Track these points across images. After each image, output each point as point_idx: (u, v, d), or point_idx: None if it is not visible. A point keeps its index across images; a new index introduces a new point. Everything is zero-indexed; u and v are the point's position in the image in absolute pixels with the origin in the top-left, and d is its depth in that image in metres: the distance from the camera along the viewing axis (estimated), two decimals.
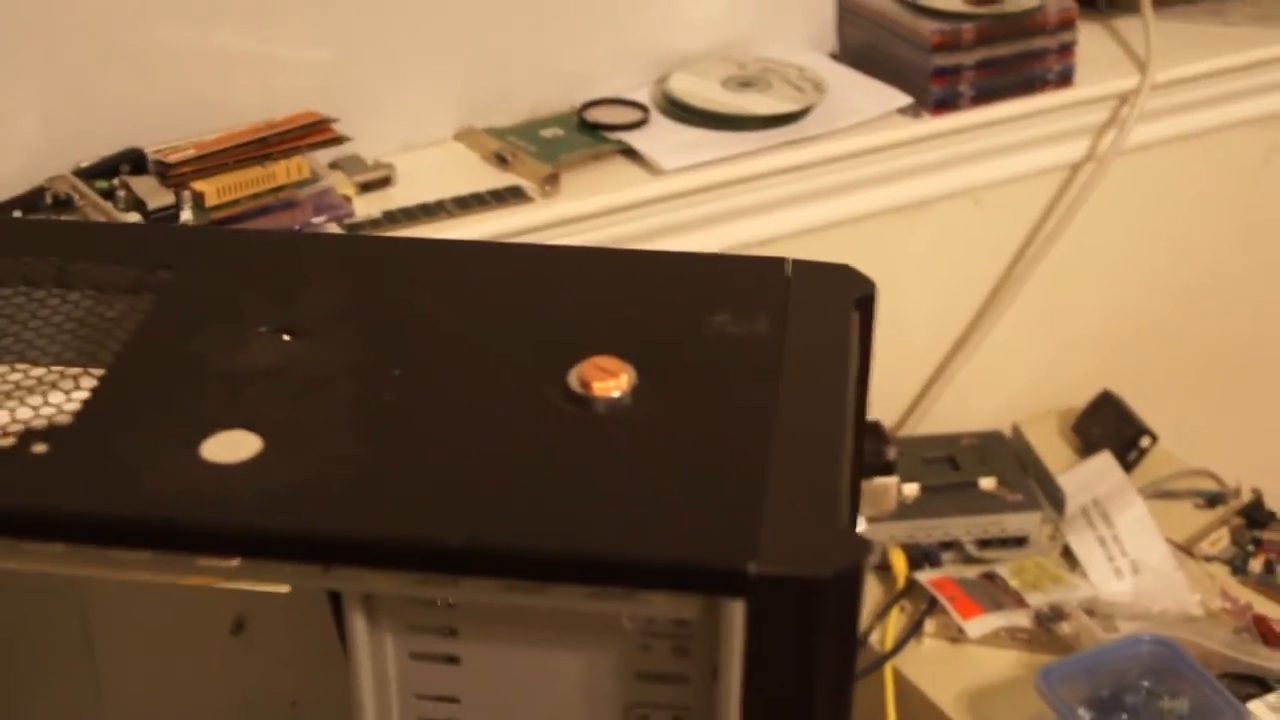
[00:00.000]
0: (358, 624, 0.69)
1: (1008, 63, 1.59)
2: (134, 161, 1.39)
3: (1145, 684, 1.38)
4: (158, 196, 1.34)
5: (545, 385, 0.72)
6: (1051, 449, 1.75)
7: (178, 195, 1.34)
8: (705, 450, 0.69)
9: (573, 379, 0.72)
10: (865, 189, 1.59)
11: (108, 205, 1.34)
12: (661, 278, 0.81)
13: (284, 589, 0.71)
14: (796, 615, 0.63)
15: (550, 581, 0.64)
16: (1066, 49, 1.62)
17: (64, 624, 0.97)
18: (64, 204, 1.36)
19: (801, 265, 0.81)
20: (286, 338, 0.77)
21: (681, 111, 1.55)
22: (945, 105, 1.58)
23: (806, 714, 0.65)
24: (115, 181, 1.37)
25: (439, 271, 0.83)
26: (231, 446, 0.69)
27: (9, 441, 0.70)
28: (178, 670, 0.97)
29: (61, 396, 0.73)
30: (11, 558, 0.69)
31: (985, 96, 1.59)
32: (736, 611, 0.63)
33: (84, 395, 0.73)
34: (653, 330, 0.76)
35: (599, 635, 0.68)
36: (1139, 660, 1.39)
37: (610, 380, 0.72)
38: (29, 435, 0.70)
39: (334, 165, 1.47)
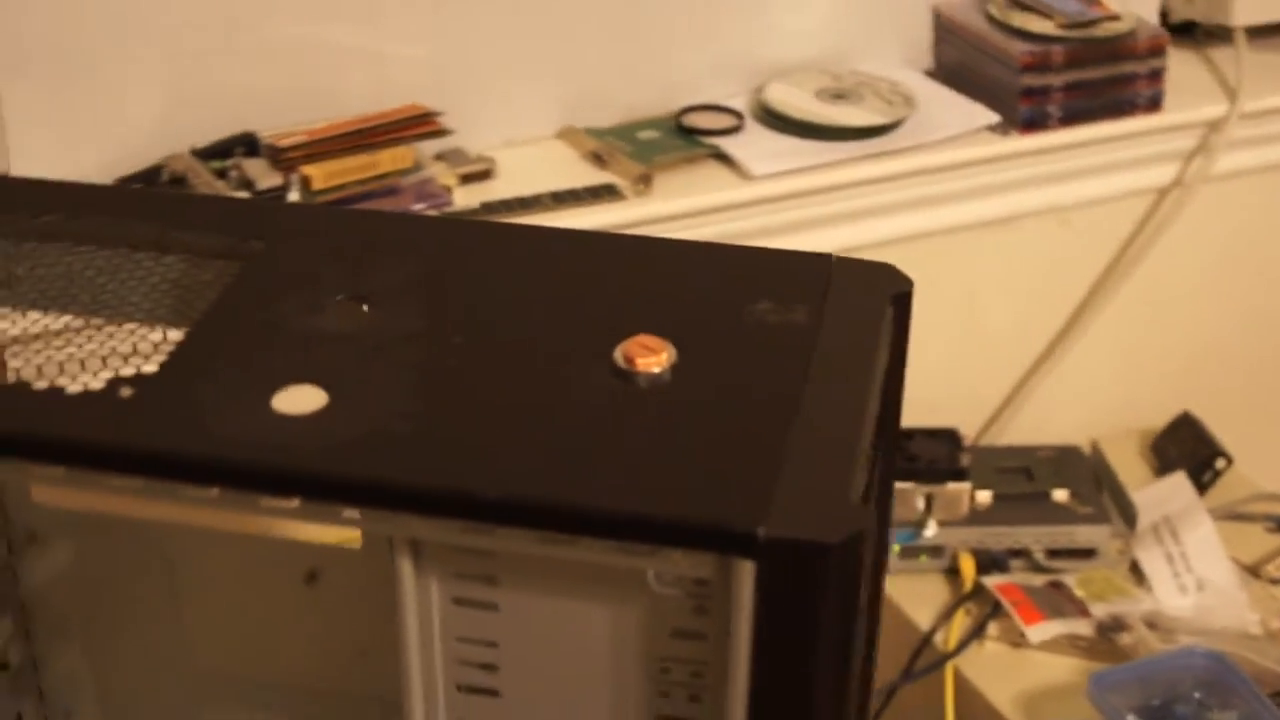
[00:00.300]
0: (405, 568, 0.75)
1: (1097, 86, 1.63)
2: (247, 145, 1.47)
3: (1196, 695, 1.42)
4: (267, 178, 1.42)
5: (593, 359, 0.78)
6: (1129, 466, 1.78)
7: (286, 178, 1.42)
8: (732, 425, 0.74)
9: (618, 355, 0.77)
10: (951, 203, 1.63)
11: (220, 184, 1.42)
12: (713, 267, 0.87)
13: (345, 532, 0.77)
14: (801, 578, 0.68)
15: (579, 534, 0.70)
16: (1156, 75, 1.65)
17: (153, 570, 1.04)
18: (179, 181, 1.43)
19: (845, 262, 0.86)
20: (362, 306, 0.83)
21: (775, 120, 1.61)
22: (1033, 125, 1.62)
23: (809, 671, 0.70)
24: (229, 162, 1.44)
25: (505, 252, 0.89)
26: (300, 400, 0.76)
27: (99, 385, 0.77)
28: (255, 617, 1.04)
29: (150, 348, 0.80)
30: (96, 490, 0.75)
31: (1073, 118, 1.64)
32: (747, 571, 0.68)
33: (170, 348, 0.80)
34: (699, 314, 0.82)
35: (626, 591, 0.74)
36: (1192, 672, 1.43)
37: (652, 357, 0.77)
38: (117, 381, 0.77)
39: (439, 157, 1.54)
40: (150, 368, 0.78)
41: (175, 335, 0.81)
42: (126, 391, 0.77)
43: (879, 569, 0.92)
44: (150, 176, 1.44)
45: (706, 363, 0.78)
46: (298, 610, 1.01)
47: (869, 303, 0.83)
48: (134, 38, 1.44)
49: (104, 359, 0.79)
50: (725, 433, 0.74)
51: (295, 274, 0.86)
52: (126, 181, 1.43)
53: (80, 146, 1.43)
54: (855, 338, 0.81)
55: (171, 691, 1.08)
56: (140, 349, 0.80)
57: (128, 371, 0.78)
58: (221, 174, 1.43)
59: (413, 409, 0.75)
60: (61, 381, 0.78)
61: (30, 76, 1.40)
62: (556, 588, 0.75)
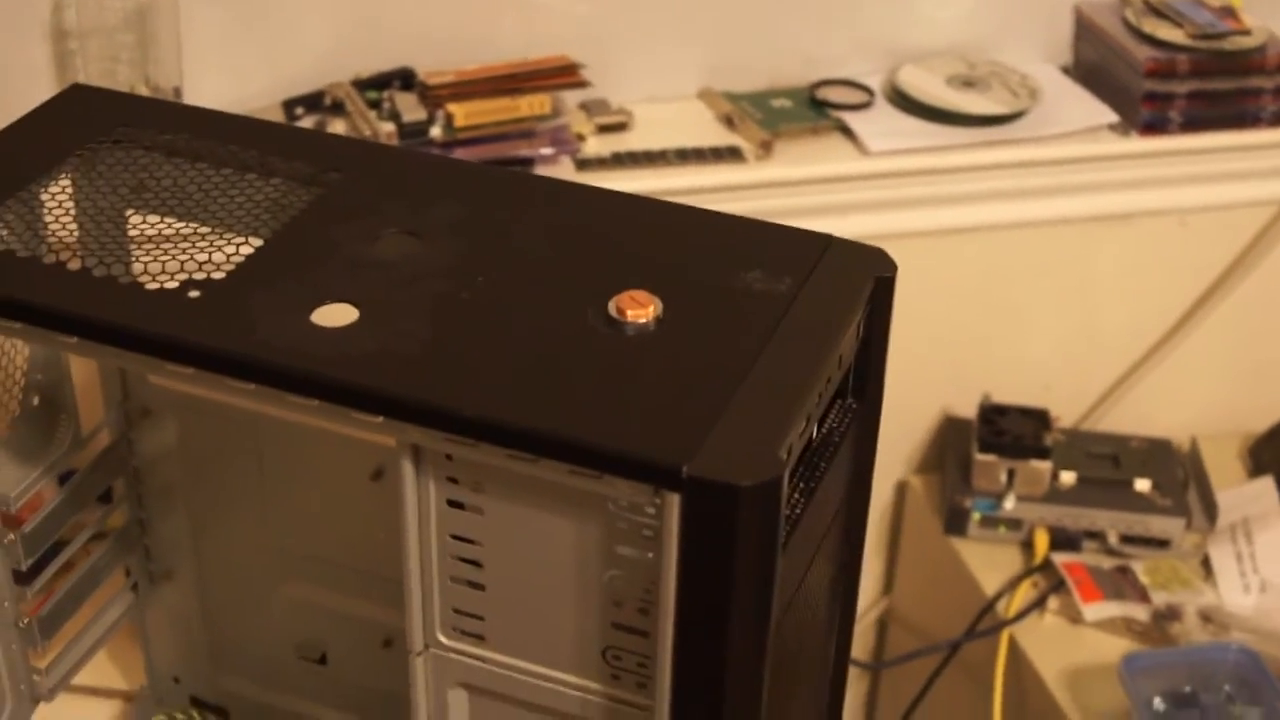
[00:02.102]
0: (407, 469, 0.88)
1: (1221, 96, 1.69)
2: (404, 79, 1.60)
3: (1226, 688, 1.49)
4: (413, 112, 1.55)
5: (590, 306, 0.89)
6: (1223, 467, 1.84)
7: (431, 113, 1.55)
8: (693, 374, 0.85)
9: (612, 305, 0.89)
10: (1066, 195, 1.71)
11: (371, 114, 1.55)
12: (721, 235, 0.98)
13: (349, 430, 0.89)
14: (717, 515, 0.79)
15: (538, 455, 0.82)
16: None
17: (245, 454, 1.18)
18: (338, 107, 1.57)
19: (840, 242, 0.96)
20: (410, 239, 0.95)
21: (903, 101, 1.70)
22: (1153, 128, 1.69)
23: (725, 599, 0.81)
24: (384, 94, 1.58)
25: (547, 205, 1.00)
26: (335, 315, 0.88)
27: (173, 284, 0.90)
28: (328, 504, 1.17)
29: (222, 257, 0.93)
30: (157, 373, 0.89)
31: (1195, 125, 1.70)
32: (674, 504, 0.80)
33: (239, 259, 0.93)
34: (696, 276, 0.93)
35: (588, 511, 0.85)
36: (1224, 665, 1.50)
37: (640, 310, 0.88)
38: (189, 283, 0.91)
39: (582, 106, 1.66)
40: (219, 274, 0.92)
41: (246, 249, 0.94)
42: (194, 293, 0.90)
43: (854, 516, 1.02)
44: (313, 101, 1.58)
45: (689, 319, 0.89)
46: (364, 502, 1.14)
47: (850, 282, 0.93)
48: None
49: (183, 263, 0.92)
50: (683, 380, 0.85)
51: (361, 205, 0.99)
52: (290, 104, 1.57)
53: (252, 69, 1.57)
54: (826, 310, 0.91)
55: (256, 563, 1.22)
56: (215, 259, 0.93)
57: (199, 275, 0.91)
58: (374, 104, 1.57)
59: (425, 333, 0.87)
60: (144, 279, 0.91)
61: (213, 2, 1.54)
62: (530, 500, 0.87)
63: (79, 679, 1.20)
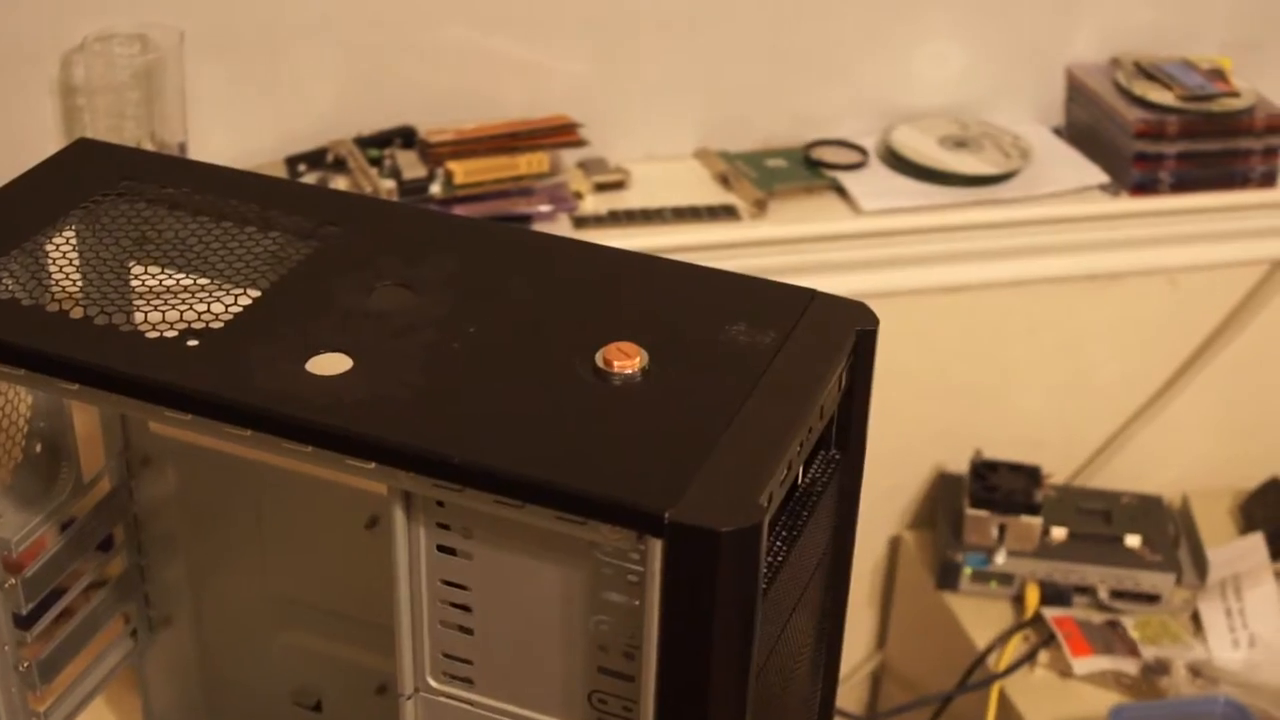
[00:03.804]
0: (398, 515, 0.90)
1: (1209, 158, 1.72)
2: (405, 137, 1.63)
3: None
4: (414, 169, 1.58)
5: (578, 357, 0.91)
6: (1215, 524, 1.86)
7: (431, 170, 1.58)
8: (677, 423, 0.87)
9: (599, 356, 0.91)
10: (1057, 255, 1.73)
11: (372, 171, 1.58)
12: (706, 289, 1.00)
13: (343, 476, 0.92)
14: (699, 560, 0.81)
15: (525, 501, 0.84)
16: (1272, 151, 1.73)
17: (244, 503, 1.20)
18: (340, 164, 1.60)
19: (824, 297, 0.98)
20: (403, 291, 0.98)
21: (897, 161, 1.72)
22: (1143, 188, 1.71)
23: (707, 644, 0.83)
24: (385, 151, 1.61)
25: (538, 258, 1.03)
26: (330, 364, 0.91)
27: (173, 334, 0.93)
28: (323, 553, 1.19)
29: (221, 307, 0.96)
30: (156, 419, 0.91)
31: (1184, 185, 1.72)
32: (657, 549, 0.82)
33: (237, 309, 0.95)
34: (682, 329, 0.95)
35: (574, 557, 0.88)
36: (1212, 718, 1.51)
37: (627, 361, 0.91)
38: (188, 332, 0.93)
39: (580, 164, 1.69)
40: (217, 324, 0.94)
41: (245, 300, 0.97)
42: (193, 342, 0.92)
43: (839, 565, 1.04)
44: (315, 158, 1.61)
45: (675, 370, 0.91)
46: (359, 550, 1.16)
47: (832, 335, 0.96)
48: (317, 31, 1.61)
49: (182, 313, 0.95)
50: (667, 429, 0.87)
51: (357, 258, 1.01)
52: (293, 161, 1.60)
53: (255, 126, 1.60)
54: (808, 363, 0.93)
55: (253, 611, 1.24)
56: (213, 309, 0.95)
57: (198, 325, 0.94)
58: (376, 161, 1.60)
59: (416, 381, 0.90)
60: (144, 327, 0.94)
61: (218, 60, 1.58)
62: (518, 546, 0.89)
63: None
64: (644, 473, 0.84)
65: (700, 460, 0.84)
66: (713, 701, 0.84)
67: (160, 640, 1.27)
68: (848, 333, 0.96)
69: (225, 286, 0.99)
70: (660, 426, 0.87)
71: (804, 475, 0.96)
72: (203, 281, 1.00)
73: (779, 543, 0.91)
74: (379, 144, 1.62)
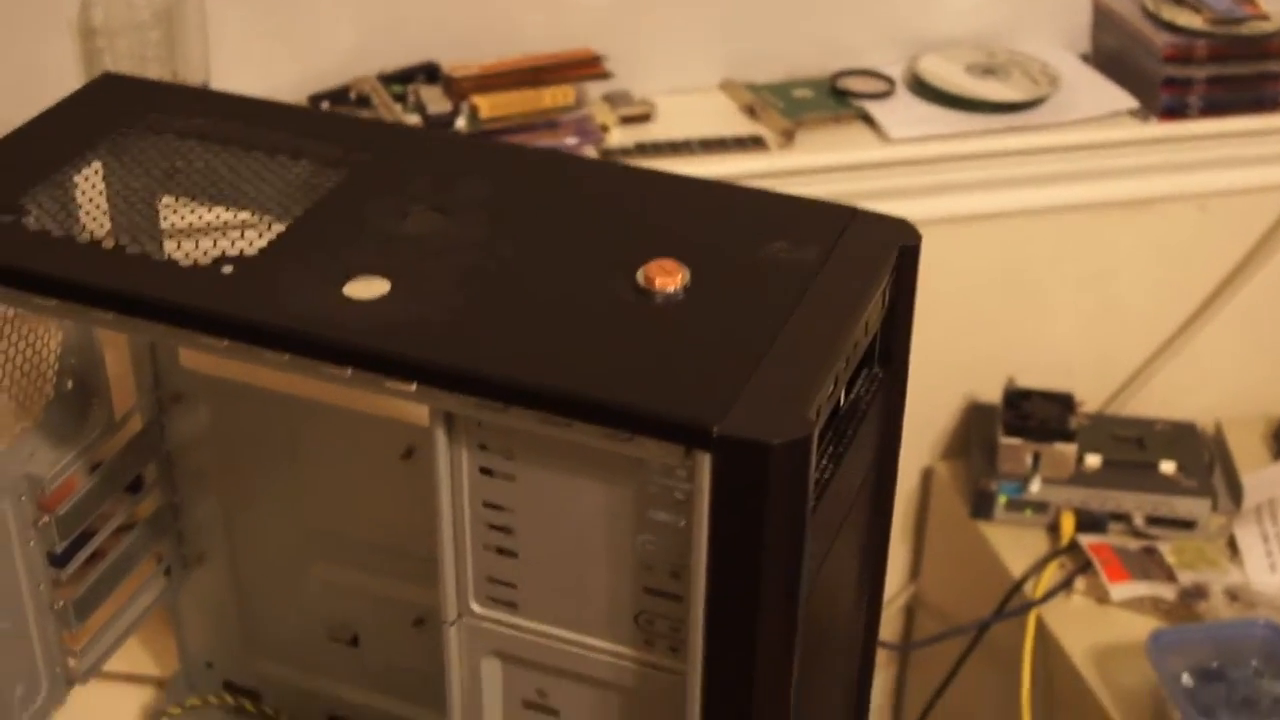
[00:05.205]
0: (440, 438, 0.89)
1: (1239, 81, 1.70)
2: (429, 73, 1.61)
3: (1254, 663, 1.49)
4: (439, 104, 1.56)
5: (619, 276, 0.90)
6: (1249, 450, 1.84)
7: (456, 105, 1.56)
8: (722, 339, 0.86)
9: (640, 274, 0.90)
10: (1087, 181, 1.71)
11: (397, 107, 1.57)
12: (746, 208, 0.99)
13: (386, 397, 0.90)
14: (748, 474, 0.80)
15: (570, 418, 0.83)
16: None
17: (278, 437, 1.19)
18: (363, 101, 1.59)
19: (865, 214, 0.97)
20: (438, 214, 0.97)
21: (924, 89, 1.71)
22: (1172, 113, 1.69)
23: (756, 561, 0.82)
24: (409, 88, 1.59)
25: (573, 181, 1.02)
26: (366, 288, 0.90)
27: (206, 260, 0.92)
28: (359, 484, 1.18)
29: (255, 235, 0.94)
30: (191, 346, 0.90)
31: (1214, 109, 1.70)
32: (705, 464, 0.81)
33: (271, 236, 0.94)
34: (721, 247, 0.94)
35: (621, 475, 0.87)
36: (1252, 641, 1.50)
37: (668, 278, 0.89)
38: (222, 259, 0.92)
39: (605, 98, 1.67)
40: (251, 250, 0.93)
41: (278, 226, 0.96)
42: (227, 268, 0.91)
43: (882, 487, 1.03)
44: (338, 96, 1.59)
45: (717, 287, 0.90)
46: (395, 482, 1.15)
47: (874, 251, 0.95)
48: None
49: (215, 241, 0.94)
50: (712, 345, 0.86)
51: (389, 184, 1.00)
52: (316, 99, 1.58)
53: (278, 65, 1.59)
54: (852, 278, 0.92)
55: (288, 546, 1.24)
56: (247, 235, 0.94)
57: (232, 252, 0.93)
58: (400, 98, 1.58)
59: (455, 303, 0.89)
60: (177, 255, 0.93)
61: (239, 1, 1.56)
62: (562, 466, 0.88)
63: (112, 664, 1.22)
64: (691, 388, 0.83)
65: (747, 375, 0.83)
66: (762, 619, 0.83)
67: (194, 578, 1.27)
68: (890, 248, 0.95)
69: (258, 214, 0.98)
70: (705, 343, 0.86)
71: (849, 393, 0.95)
72: (234, 210, 0.99)
73: (825, 460, 0.90)
74: (402, 80, 1.61)
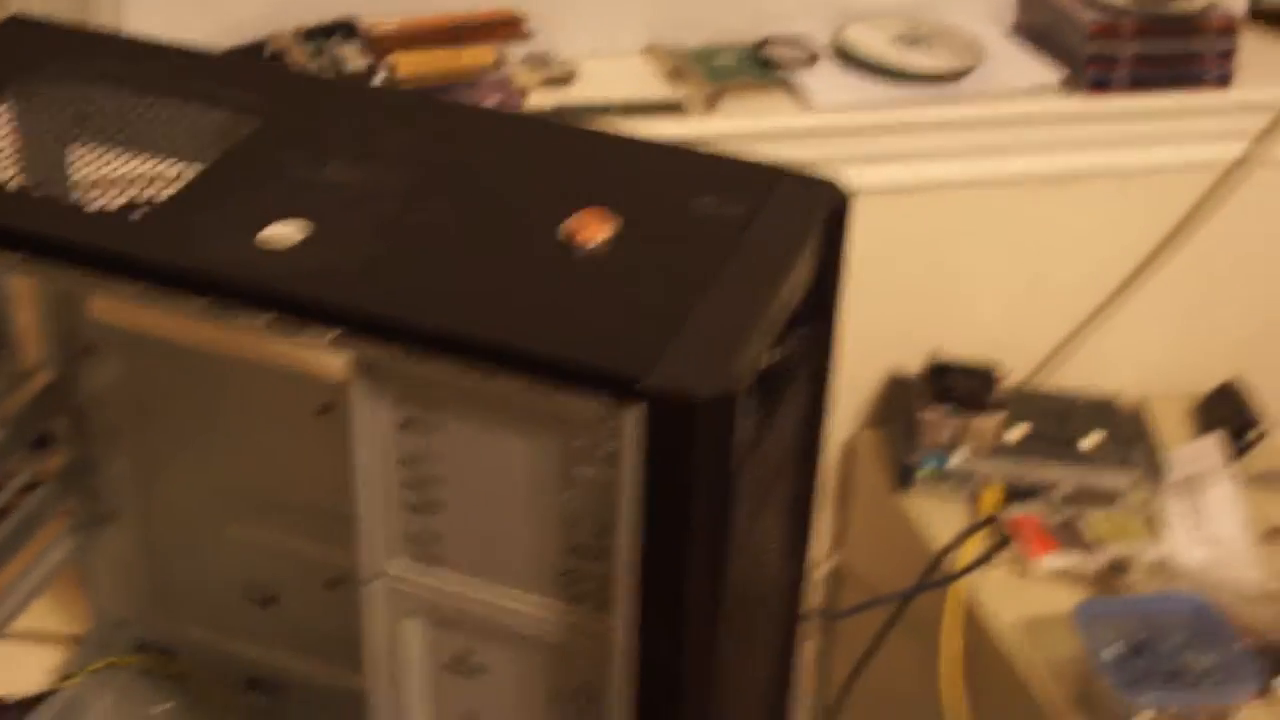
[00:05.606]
0: (358, 389, 0.86)
1: (1164, 59, 1.69)
2: (347, 30, 1.58)
3: (1180, 637, 1.49)
4: (356, 61, 1.53)
5: (543, 228, 0.88)
6: (1171, 426, 1.84)
7: (374, 64, 1.53)
8: (648, 292, 0.84)
9: (564, 226, 0.88)
10: (1012, 155, 1.70)
11: (312, 65, 1.53)
12: (671, 163, 0.97)
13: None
14: (677, 427, 0.78)
15: (495, 367, 0.80)
16: (1226, 54, 1.70)
17: (191, 393, 1.17)
18: (278, 57, 1.55)
19: (793, 174, 0.95)
20: (357, 164, 0.94)
21: (849, 59, 1.69)
22: (1098, 88, 1.68)
23: (683, 516, 0.80)
24: (326, 44, 1.56)
25: (500, 135, 1.00)
26: (282, 234, 0.87)
27: (118, 204, 0.89)
28: (275, 441, 1.16)
29: (168, 179, 0.92)
30: (104, 292, 0.88)
31: (1139, 86, 1.69)
32: (631, 418, 0.79)
33: (185, 181, 0.91)
34: (650, 200, 0.92)
35: (546, 430, 0.85)
36: (1180, 614, 1.50)
37: (593, 231, 0.87)
38: (131, 205, 0.89)
39: (527, 59, 1.64)
40: (161, 197, 0.90)
41: (190, 173, 0.93)
42: (139, 213, 0.89)
43: (810, 450, 1.01)
44: (254, 50, 1.56)
45: (643, 242, 0.88)
46: (312, 438, 1.13)
47: (805, 208, 0.93)
48: None
49: (124, 188, 0.91)
50: (640, 298, 0.84)
51: (307, 133, 0.97)
52: (232, 52, 1.55)
53: (192, 16, 1.54)
54: (781, 235, 0.90)
55: (202, 504, 1.21)
56: (161, 180, 0.91)
57: (141, 198, 0.90)
58: (317, 54, 1.55)
59: (376, 252, 0.86)
60: (85, 201, 0.90)
61: None
62: (485, 420, 0.86)
63: (21, 623, 1.18)
64: (617, 341, 0.81)
65: (675, 329, 0.81)
66: (689, 574, 0.82)
67: (106, 536, 1.24)
68: (820, 207, 0.94)
69: (171, 160, 0.95)
70: (631, 296, 0.84)
71: (778, 352, 0.93)
72: (147, 156, 0.96)
73: (754, 417, 0.88)
74: (320, 36, 1.57)
